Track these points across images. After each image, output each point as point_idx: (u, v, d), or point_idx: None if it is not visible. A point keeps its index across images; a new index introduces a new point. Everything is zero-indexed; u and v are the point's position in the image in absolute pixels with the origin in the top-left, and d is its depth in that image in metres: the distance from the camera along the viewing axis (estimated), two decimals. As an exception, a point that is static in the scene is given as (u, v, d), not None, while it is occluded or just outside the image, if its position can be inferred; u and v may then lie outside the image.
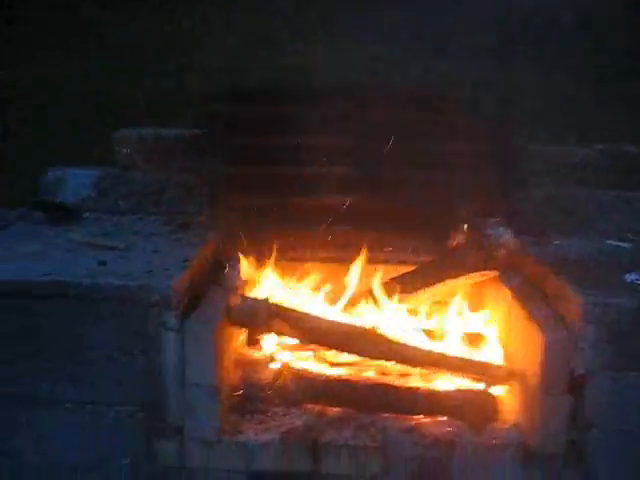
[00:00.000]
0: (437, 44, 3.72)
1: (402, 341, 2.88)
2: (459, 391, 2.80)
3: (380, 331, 2.86)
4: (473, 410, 2.71)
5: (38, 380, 2.57)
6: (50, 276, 2.55)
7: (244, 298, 2.80)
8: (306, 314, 2.86)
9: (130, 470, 2.60)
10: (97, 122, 3.66)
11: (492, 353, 2.98)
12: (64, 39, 4.26)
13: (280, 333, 2.84)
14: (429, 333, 3.06)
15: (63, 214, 3.26)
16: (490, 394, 2.78)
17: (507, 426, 2.70)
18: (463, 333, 3.09)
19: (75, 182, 3.46)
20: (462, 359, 2.86)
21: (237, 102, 3.35)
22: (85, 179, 3.47)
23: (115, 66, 4.03)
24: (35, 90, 3.92)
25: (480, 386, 2.83)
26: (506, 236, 3.10)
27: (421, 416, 2.71)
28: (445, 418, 2.70)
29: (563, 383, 2.52)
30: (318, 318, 2.87)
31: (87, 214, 3.34)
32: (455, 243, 3.22)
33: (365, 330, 2.85)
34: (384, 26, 3.93)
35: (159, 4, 4.43)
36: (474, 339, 3.08)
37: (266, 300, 2.80)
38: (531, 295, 2.89)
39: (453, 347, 2.97)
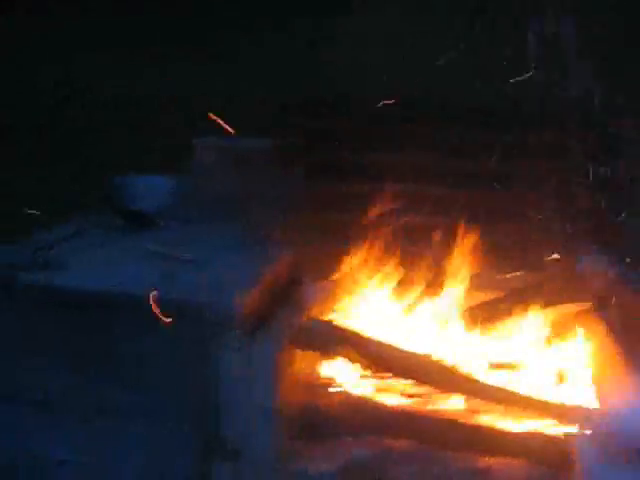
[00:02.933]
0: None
1: (477, 376, 2.71)
2: (539, 433, 2.59)
3: (453, 364, 2.72)
4: (553, 454, 2.50)
5: (99, 390, 2.56)
6: (117, 287, 2.56)
7: (310, 320, 2.72)
8: (374, 340, 2.75)
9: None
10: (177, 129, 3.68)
11: (583, 393, 2.77)
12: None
13: (347, 358, 2.73)
14: (511, 367, 2.87)
15: (140, 222, 3.28)
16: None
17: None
18: (551, 369, 2.90)
19: (153, 190, 3.47)
20: (544, 402, 2.66)
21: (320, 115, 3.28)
22: (163, 187, 3.49)
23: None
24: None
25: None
26: (602, 265, 2.95)
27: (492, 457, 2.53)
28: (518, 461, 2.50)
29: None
30: (387, 345, 2.75)
31: (163, 223, 3.34)
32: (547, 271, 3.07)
33: (436, 361, 2.72)
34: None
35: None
36: (562, 376, 2.88)
37: (332, 323, 2.72)
38: (628, 330, 2.71)
39: (536, 385, 2.78)
